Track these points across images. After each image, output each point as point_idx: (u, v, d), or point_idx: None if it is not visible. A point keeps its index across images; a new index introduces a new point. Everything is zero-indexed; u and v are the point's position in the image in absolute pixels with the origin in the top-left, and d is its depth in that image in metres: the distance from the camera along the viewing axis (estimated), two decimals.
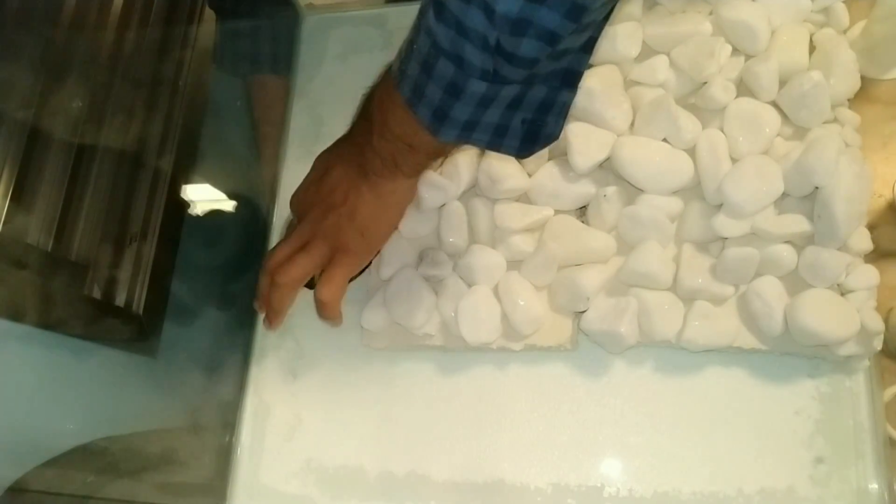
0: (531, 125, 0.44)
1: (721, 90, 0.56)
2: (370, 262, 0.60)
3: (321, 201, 0.55)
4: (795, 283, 0.53)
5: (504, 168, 0.57)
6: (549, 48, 0.38)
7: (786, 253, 0.52)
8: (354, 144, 0.53)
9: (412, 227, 0.60)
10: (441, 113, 0.42)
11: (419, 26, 0.41)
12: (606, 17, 0.41)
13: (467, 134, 0.44)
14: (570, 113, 0.56)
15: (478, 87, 0.40)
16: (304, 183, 0.57)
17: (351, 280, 0.58)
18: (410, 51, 0.42)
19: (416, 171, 0.53)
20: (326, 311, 0.56)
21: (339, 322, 0.57)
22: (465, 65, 0.39)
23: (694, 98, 0.58)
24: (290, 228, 0.58)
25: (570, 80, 0.43)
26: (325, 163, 0.56)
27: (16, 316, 0.55)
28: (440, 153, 0.49)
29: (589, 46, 0.42)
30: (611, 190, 0.56)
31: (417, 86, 0.42)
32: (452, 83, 0.41)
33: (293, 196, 0.57)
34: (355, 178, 0.53)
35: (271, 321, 0.57)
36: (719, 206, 0.54)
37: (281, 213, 0.67)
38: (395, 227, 0.58)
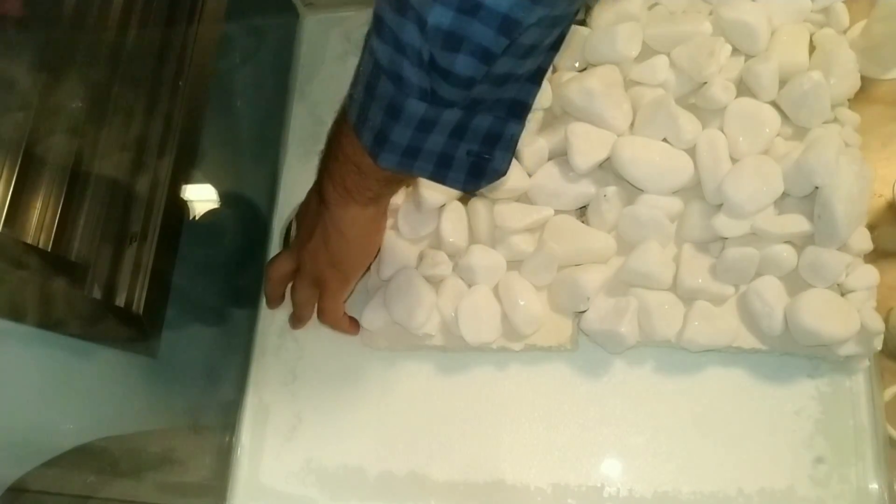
0: (477, 158, 0.43)
1: (721, 90, 0.56)
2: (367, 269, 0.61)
3: (301, 232, 0.57)
4: (795, 283, 0.53)
5: None
6: (485, 67, 0.36)
7: (786, 253, 0.52)
8: (318, 173, 0.52)
9: (412, 227, 0.60)
10: (381, 136, 0.41)
11: (364, 47, 0.40)
12: (554, 47, 0.39)
13: (409, 161, 0.42)
14: (570, 112, 0.56)
15: (416, 107, 0.39)
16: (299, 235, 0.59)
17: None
18: (358, 73, 0.41)
19: (370, 200, 0.50)
20: (337, 329, 0.60)
21: (356, 331, 0.60)
22: (404, 83, 0.38)
23: (694, 98, 0.58)
24: (287, 233, 0.61)
25: (517, 111, 0.42)
26: (309, 191, 0.56)
27: (16, 316, 0.55)
28: (392, 181, 0.48)
29: (537, 77, 0.41)
30: (611, 190, 0.56)
31: (362, 108, 0.41)
32: (391, 104, 0.39)
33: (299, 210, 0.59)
34: (320, 210, 0.52)
35: (293, 325, 0.63)
36: (719, 206, 0.54)
37: (281, 213, 0.67)
38: (370, 255, 0.57)
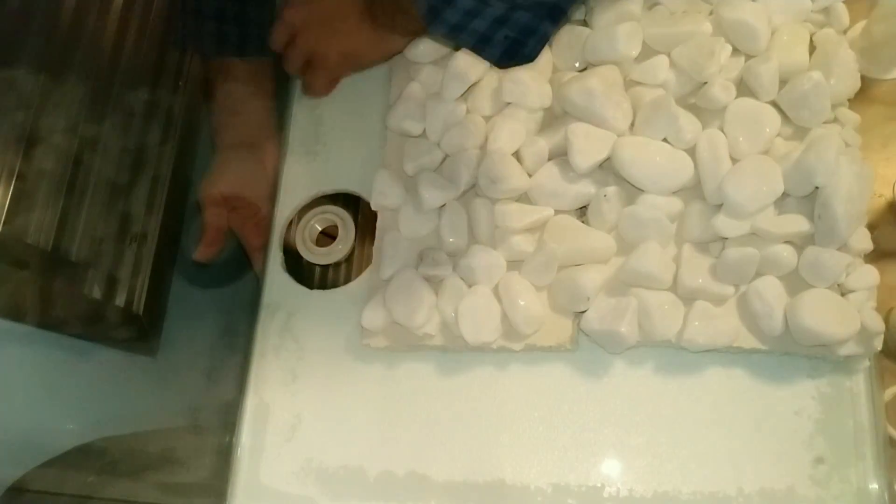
0: (513, 42, 0.52)
1: (721, 90, 0.56)
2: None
3: (322, 11, 0.62)
4: (795, 283, 0.53)
5: (504, 168, 0.57)
6: None
7: (786, 253, 0.52)
8: None
9: (412, 227, 0.60)
10: (435, 11, 0.51)
11: None
12: None
13: (455, 34, 0.52)
14: (570, 112, 0.56)
15: (466, 2, 0.49)
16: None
17: None
18: None
19: (411, 33, 0.60)
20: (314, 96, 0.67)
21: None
22: None
23: (694, 98, 0.58)
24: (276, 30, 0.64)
25: (555, 15, 0.51)
26: None
27: (16, 316, 0.55)
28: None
29: None
30: (611, 190, 0.56)
31: None
32: None
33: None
34: (360, 11, 0.60)
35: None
36: (719, 206, 0.54)
37: (281, 213, 0.67)
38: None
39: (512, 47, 0.53)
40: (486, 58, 0.54)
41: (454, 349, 0.58)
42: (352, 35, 0.61)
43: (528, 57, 0.54)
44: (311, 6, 0.62)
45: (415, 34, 0.61)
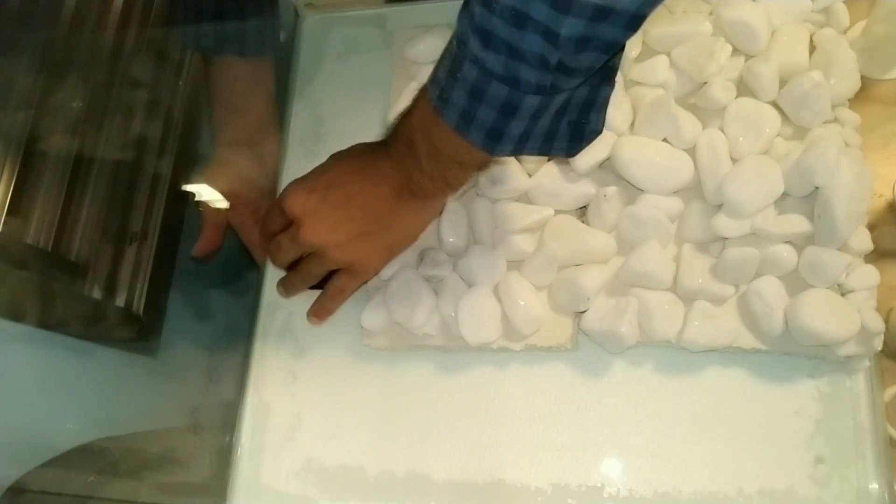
0: (576, 125, 0.46)
1: (721, 90, 0.56)
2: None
3: (346, 215, 0.54)
4: (795, 283, 0.53)
5: (504, 168, 0.57)
6: (606, 57, 0.40)
7: (786, 253, 0.52)
8: (396, 166, 0.52)
9: None
10: (496, 132, 0.44)
11: (460, 56, 0.42)
12: None
13: (521, 146, 0.45)
14: None
15: (532, 101, 0.42)
16: (313, 188, 0.55)
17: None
18: (453, 79, 0.43)
19: (464, 185, 0.55)
20: (324, 315, 0.60)
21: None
22: (521, 84, 0.41)
23: (694, 98, 0.58)
24: (274, 223, 0.57)
25: (609, 75, 0.45)
26: (351, 176, 0.55)
27: (16, 316, 0.55)
28: (487, 165, 0.51)
29: (625, 45, 0.43)
30: (611, 190, 0.56)
31: (466, 112, 0.43)
32: (507, 103, 0.42)
33: (294, 196, 0.55)
34: (393, 197, 0.54)
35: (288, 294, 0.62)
36: (719, 206, 0.54)
37: None
38: (417, 238, 0.60)
39: (575, 130, 0.47)
40: (555, 155, 0.48)
41: (454, 349, 0.58)
42: (393, 230, 0.56)
43: (595, 132, 0.47)
44: (331, 220, 0.54)
45: (466, 184, 0.54)
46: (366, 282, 0.60)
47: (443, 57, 0.45)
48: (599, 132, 0.47)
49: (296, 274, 0.59)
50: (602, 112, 0.47)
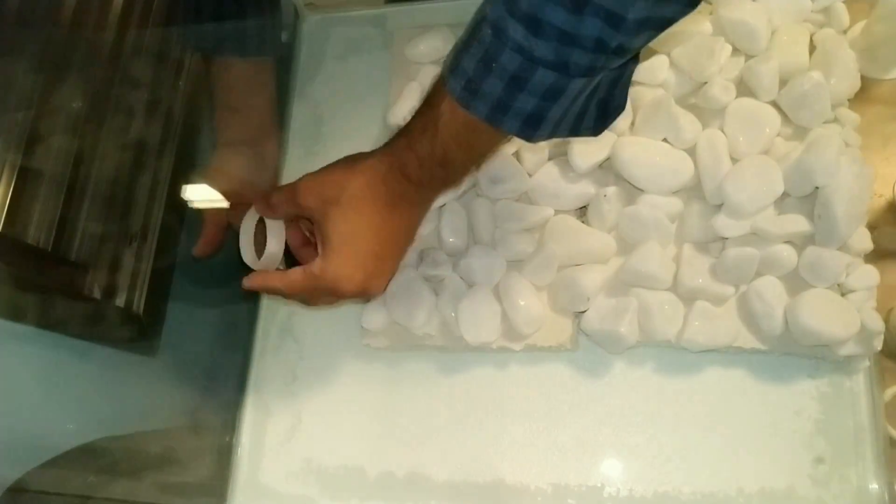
0: (602, 103, 0.46)
1: (721, 90, 0.56)
2: None
3: (374, 258, 0.52)
4: (795, 283, 0.53)
5: (504, 168, 0.57)
6: (659, 34, 0.40)
7: (786, 253, 0.52)
8: (427, 181, 0.50)
9: None
10: (535, 118, 0.43)
11: (498, 45, 0.41)
12: None
13: (556, 129, 0.45)
14: None
15: (578, 84, 0.42)
16: (329, 184, 0.52)
17: None
18: (487, 70, 0.42)
19: (457, 179, 0.53)
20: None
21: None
22: (570, 68, 0.40)
23: (694, 98, 0.58)
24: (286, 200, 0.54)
25: (637, 53, 0.44)
26: (371, 192, 0.51)
27: (16, 316, 0.55)
28: (489, 156, 0.51)
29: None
30: (611, 190, 0.56)
31: (501, 101, 0.43)
32: (552, 88, 0.41)
33: (311, 185, 0.52)
34: (414, 218, 0.53)
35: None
36: (719, 206, 0.54)
37: None
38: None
39: (602, 109, 0.46)
40: (582, 135, 0.47)
41: (454, 349, 0.58)
42: (381, 231, 0.51)
43: (619, 108, 0.46)
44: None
45: (453, 182, 0.53)
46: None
47: (466, 46, 0.43)
48: (623, 108, 0.46)
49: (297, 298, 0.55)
50: (626, 88, 0.46)
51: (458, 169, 0.50)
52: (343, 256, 0.51)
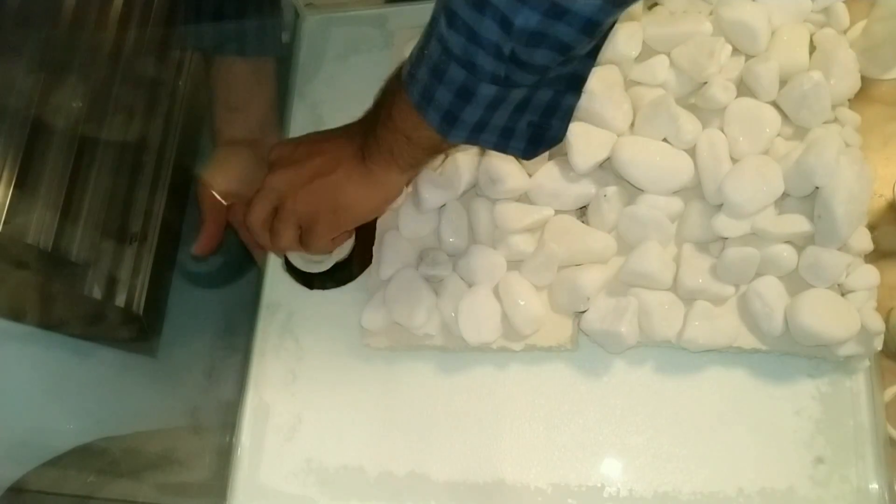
0: (537, 128, 0.46)
1: (721, 90, 0.56)
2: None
3: (306, 165, 0.55)
4: (796, 283, 0.53)
5: (504, 168, 0.57)
6: (561, 57, 0.40)
7: (786, 253, 0.52)
8: (359, 128, 0.54)
9: (412, 227, 0.60)
10: (451, 116, 0.44)
11: (430, 33, 0.43)
12: (611, 27, 0.42)
13: (475, 135, 0.45)
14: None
15: (488, 90, 0.42)
16: (293, 140, 0.58)
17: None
18: (421, 56, 0.44)
19: (411, 166, 0.53)
20: (258, 249, 0.61)
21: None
22: (477, 70, 0.41)
23: (694, 98, 0.58)
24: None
25: (575, 84, 0.45)
26: (325, 134, 0.57)
27: (16, 316, 0.55)
28: (438, 150, 0.51)
29: (594, 53, 0.44)
30: (611, 190, 0.56)
31: (427, 90, 0.44)
32: (464, 87, 0.42)
33: (276, 146, 0.57)
34: (349, 158, 0.54)
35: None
36: (719, 206, 0.54)
37: None
38: (367, 218, 0.58)
39: (536, 133, 0.46)
40: (511, 153, 0.48)
41: (454, 349, 0.58)
42: (340, 186, 0.54)
43: (555, 139, 0.47)
44: (295, 165, 0.55)
45: (416, 166, 0.53)
46: (330, 238, 0.58)
47: (422, 35, 0.45)
48: (559, 140, 0.47)
49: (271, 236, 0.57)
50: (565, 120, 0.46)
51: (382, 128, 0.50)
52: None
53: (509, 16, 0.37)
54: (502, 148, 0.47)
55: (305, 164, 0.54)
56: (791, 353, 0.53)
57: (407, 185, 0.59)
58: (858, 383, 0.53)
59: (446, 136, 0.45)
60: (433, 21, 0.42)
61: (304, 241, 0.57)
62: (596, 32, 0.39)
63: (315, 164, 0.54)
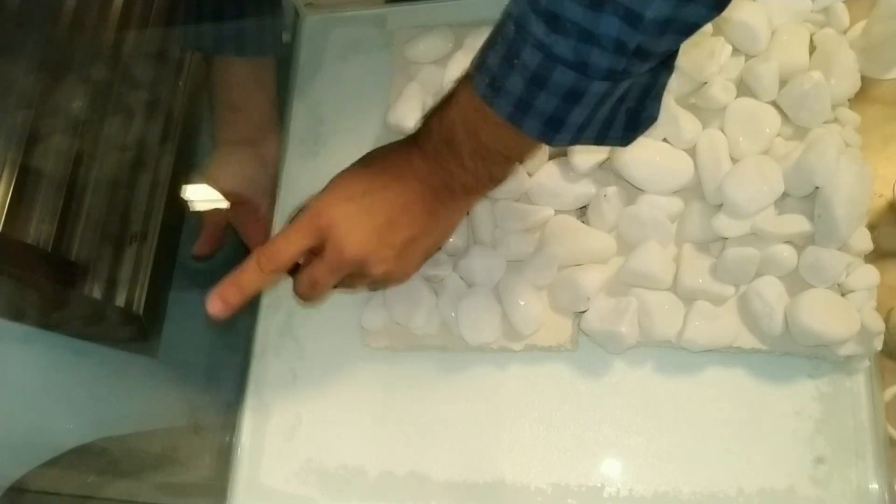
0: (632, 112, 0.44)
1: (721, 90, 0.56)
2: None
3: (391, 228, 0.49)
4: (796, 283, 0.53)
5: None
6: (685, 39, 0.39)
7: (786, 253, 0.52)
8: (436, 167, 0.48)
9: None
10: (556, 121, 0.42)
11: (520, 41, 0.40)
12: None
13: (579, 135, 0.43)
14: None
15: (600, 87, 0.40)
16: (341, 194, 0.50)
17: None
18: (508, 66, 0.41)
19: (507, 177, 0.51)
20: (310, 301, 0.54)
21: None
22: (590, 69, 0.39)
23: (694, 98, 0.58)
24: (289, 238, 0.50)
25: (669, 60, 0.43)
26: (385, 180, 0.49)
27: (16, 316, 0.55)
28: (534, 153, 0.50)
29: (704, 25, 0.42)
30: (611, 190, 0.56)
31: (522, 100, 0.42)
32: (572, 90, 0.40)
33: (326, 205, 0.49)
34: (431, 201, 0.50)
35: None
36: (719, 206, 0.54)
37: (282, 212, 0.67)
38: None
39: (631, 118, 0.44)
40: (609, 144, 0.45)
41: (454, 349, 0.58)
42: (421, 240, 0.50)
43: (651, 119, 0.44)
44: (375, 232, 0.48)
45: (508, 176, 0.50)
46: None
47: (491, 43, 0.42)
48: (655, 119, 0.45)
49: (342, 286, 0.52)
50: (658, 99, 0.44)
51: (469, 155, 0.47)
52: (333, 194, 0.49)
53: (637, 9, 0.36)
54: (601, 141, 0.44)
55: (388, 228, 0.49)
56: (791, 353, 0.53)
57: None
58: (858, 383, 0.53)
59: (550, 142, 0.43)
60: (519, 29, 0.40)
61: (354, 282, 0.52)
62: (726, 7, 0.37)
63: (400, 224, 0.49)
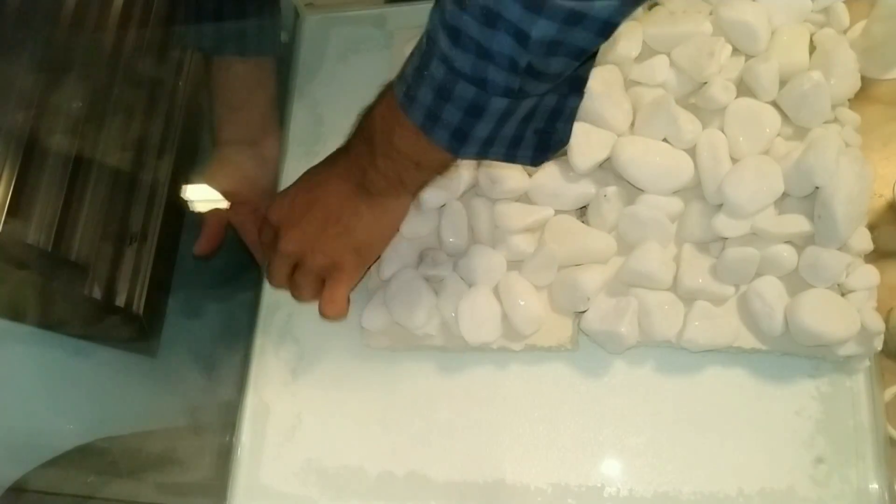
0: (543, 134, 0.46)
1: (721, 90, 0.56)
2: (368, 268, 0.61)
3: (312, 217, 0.55)
4: (796, 283, 0.53)
5: (504, 168, 0.57)
6: (577, 63, 0.40)
7: (786, 253, 0.52)
8: (353, 164, 0.53)
9: (412, 227, 0.60)
10: (461, 133, 0.43)
11: (429, 53, 0.42)
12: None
13: (486, 149, 0.45)
14: None
15: (499, 104, 0.41)
16: (287, 195, 0.57)
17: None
18: (420, 77, 0.43)
19: (420, 188, 0.54)
20: (333, 319, 0.57)
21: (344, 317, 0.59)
22: (489, 85, 0.40)
23: (694, 98, 0.58)
24: (266, 236, 0.58)
25: (577, 86, 0.44)
26: (316, 178, 0.56)
27: (16, 316, 0.55)
28: (446, 168, 0.50)
29: (595, 53, 0.43)
30: (611, 190, 0.56)
31: (431, 111, 0.43)
32: (474, 104, 0.42)
33: (274, 206, 0.57)
34: (352, 196, 0.53)
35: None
36: (719, 206, 0.54)
37: None
38: (386, 246, 0.59)
39: (542, 140, 0.46)
40: (519, 163, 0.47)
41: (454, 349, 0.58)
42: (353, 227, 0.54)
43: (562, 142, 0.46)
44: (300, 222, 0.54)
45: (424, 186, 0.54)
46: (351, 288, 0.58)
47: (412, 54, 0.44)
48: (565, 143, 0.47)
49: (293, 290, 0.58)
50: (569, 122, 0.46)
51: (381, 155, 0.49)
52: (280, 199, 0.56)
53: (525, 29, 0.37)
54: (511, 158, 0.46)
55: (310, 218, 0.54)
56: (791, 353, 0.53)
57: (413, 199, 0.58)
58: (858, 383, 0.53)
59: (456, 154, 0.45)
60: (430, 41, 0.41)
61: (330, 291, 0.56)
62: (611, 34, 0.38)
63: (320, 215, 0.54)
